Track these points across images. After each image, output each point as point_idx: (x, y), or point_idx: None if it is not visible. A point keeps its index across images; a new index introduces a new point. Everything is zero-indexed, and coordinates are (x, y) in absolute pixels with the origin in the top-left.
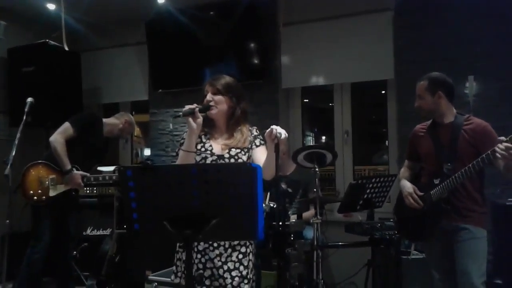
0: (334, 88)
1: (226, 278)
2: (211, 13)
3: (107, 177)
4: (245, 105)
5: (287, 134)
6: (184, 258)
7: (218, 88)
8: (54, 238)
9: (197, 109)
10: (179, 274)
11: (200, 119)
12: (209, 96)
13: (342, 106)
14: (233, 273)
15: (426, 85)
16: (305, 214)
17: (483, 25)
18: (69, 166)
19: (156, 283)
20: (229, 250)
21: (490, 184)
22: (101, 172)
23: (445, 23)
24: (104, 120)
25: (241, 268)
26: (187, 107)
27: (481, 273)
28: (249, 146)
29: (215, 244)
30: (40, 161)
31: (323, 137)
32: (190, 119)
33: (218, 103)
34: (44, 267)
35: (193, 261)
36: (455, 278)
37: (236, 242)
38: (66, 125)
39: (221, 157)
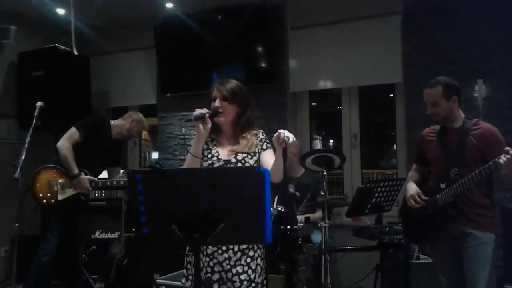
0: (342, 92)
1: (235, 281)
2: (219, 17)
3: (115, 182)
4: (251, 112)
5: (294, 138)
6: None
7: (226, 95)
8: (63, 241)
9: (207, 114)
10: (190, 277)
11: (209, 125)
12: (217, 103)
13: (350, 109)
14: (242, 277)
15: (441, 91)
16: (313, 216)
17: (492, 28)
18: (76, 171)
19: (163, 287)
20: (239, 254)
21: (500, 188)
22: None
23: (454, 26)
24: (112, 122)
25: (250, 271)
26: (198, 111)
27: (490, 278)
28: (256, 151)
29: (224, 248)
30: (50, 164)
31: (331, 141)
32: (200, 124)
33: (226, 110)
34: (53, 269)
35: (202, 265)
36: (463, 283)
37: (245, 246)
38: (72, 130)
39: (228, 162)
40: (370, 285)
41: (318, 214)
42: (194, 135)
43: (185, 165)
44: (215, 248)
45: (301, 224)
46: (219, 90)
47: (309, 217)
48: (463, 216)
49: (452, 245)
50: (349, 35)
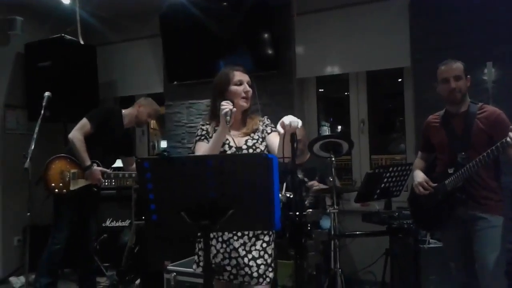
0: (350, 77)
1: (252, 266)
2: (224, 3)
3: (127, 175)
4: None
5: (300, 121)
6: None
7: (249, 80)
8: (76, 230)
9: (234, 109)
10: (201, 263)
11: (233, 118)
12: (248, 87)
13: (358, 95)
14: (258, 261)
15: (462, 67)
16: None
17: (501, 10)
18: (88, 162)
19: (174, 273)
20: (253, 239)
21: (508, 171)
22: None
23: (462, 9)
24: (123, 111)
25: (266, 256)
26: (227, 107)
27: (501, 261)
28: (263, 136)
29: (239, 234)
30: (63, 154)
31: (339, 127)
32: (228, 117)
33: (251, 97)
34: (66, 258)
35: (217, 251)
36: (473, 267)
37: (259, 231)
38: (84, 121)
39: (239, 149)
40: (380, 270)
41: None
42: (202, 125)
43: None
44: (230, 235)
45: (310, 210)
46: (243, 76)
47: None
48: (472, 200)
49: (462, 229)
50: (356, 20)
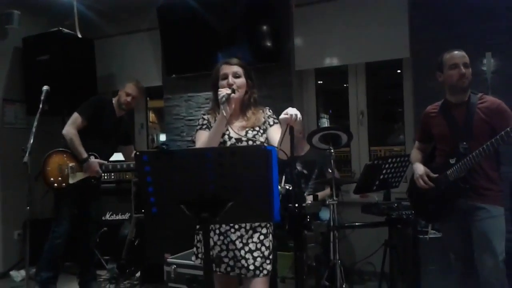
0: (349, 69)
1: (248, 259)
2: None
3: (125, 165)
4: (255, 88)
5: (299, 113)
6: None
7: (237, 71)
8: (76, 224)
9: (232, 94)
10: (200, 255)
11: (233, 105)
12: (231, 80)
13: (357, 86)
14: (255, 254)
15: (467, 57)
16: (321, 194)
17: (500, 0)
18: (85, 155)
19: (174, 266)
20: (250, 232)
21: (508, 162)
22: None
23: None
24: (113, 100)
25: (263, 248)
26: (224, 92)
27: (501, 250)
28: (264, 128)
29: (236, 226)
30: (60, 149)
31: (338, 119)
32: (227, 106)
33: (240, 87)
34: (67, 252)
35: (215, 243)
36: (472, 258)
37: (256, 224)
38: (75, 115)
39: (239, 140)
40: (379, 261)
41: (327, 191)
42: (203, 114)
43: (202, 144)
44: (228, 227)
45: (309, 202)
46: (228, 68)
47: (317, 195)
48: (473, 191)
49: (462, 220)
50: (355, 11)
